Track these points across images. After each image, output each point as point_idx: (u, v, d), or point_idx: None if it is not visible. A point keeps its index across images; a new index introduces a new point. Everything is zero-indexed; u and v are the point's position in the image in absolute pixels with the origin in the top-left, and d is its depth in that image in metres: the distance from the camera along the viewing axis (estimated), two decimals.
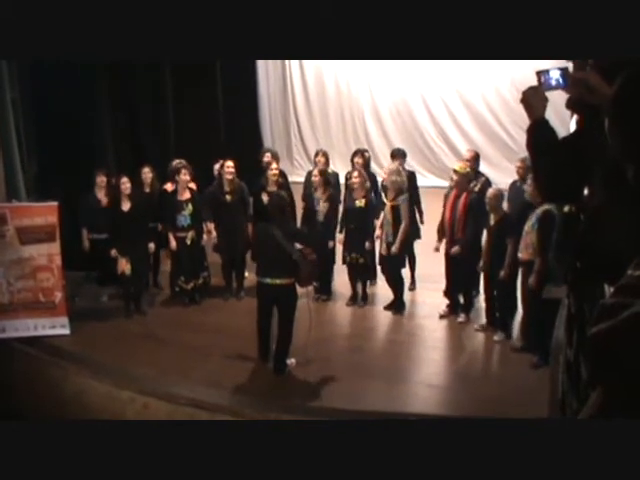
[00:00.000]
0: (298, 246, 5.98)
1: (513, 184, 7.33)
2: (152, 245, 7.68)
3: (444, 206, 7.10)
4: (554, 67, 2.24)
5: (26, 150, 8.48)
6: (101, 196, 8.02)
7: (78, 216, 8.00)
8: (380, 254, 7.41)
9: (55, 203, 7.16)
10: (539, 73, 2.29)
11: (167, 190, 7.95)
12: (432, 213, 7.96)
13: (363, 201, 7.36)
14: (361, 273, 7.63)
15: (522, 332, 6.48)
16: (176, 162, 7.98)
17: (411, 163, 10.76)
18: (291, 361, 6.23)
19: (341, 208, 7.79)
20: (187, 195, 7.76)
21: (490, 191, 6.60)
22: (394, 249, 7.16)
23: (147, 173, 8.19)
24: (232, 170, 7.79)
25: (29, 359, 6.68)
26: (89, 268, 8.23)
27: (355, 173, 7.47)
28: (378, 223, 7.41)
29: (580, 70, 2.00)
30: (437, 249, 7.23)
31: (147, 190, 8.14)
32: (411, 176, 8.18)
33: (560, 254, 5.19)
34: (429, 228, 7.76)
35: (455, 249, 6.83)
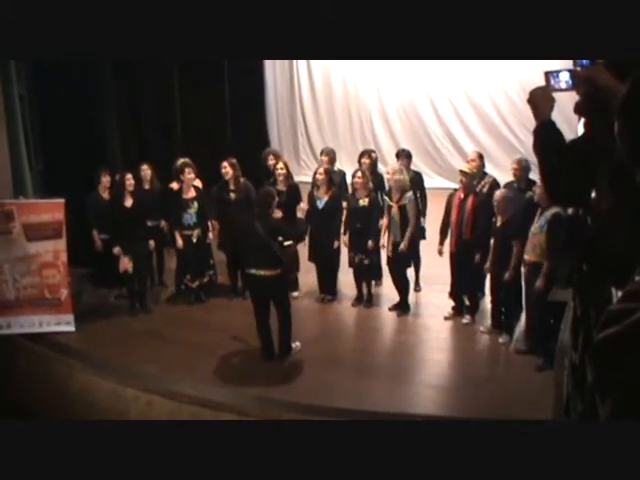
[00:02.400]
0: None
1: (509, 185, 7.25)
2: (152, 242, 7.66)
3: (447, 207, 7.06)
4: (563, 68, 2.23)
5: (33, 147, 8.49)
6: (106, 195, 7.97)
7: (86, 216, 7.93)
8: (387, 256, 7.37)
9: (62, 200, 7.16)
10: (548, 74, 2.28)
11: (173, 189, 7.93)
12: (439, 214, 7.93)
13: (367, 200, 7.33)
14: (366, 273, 7.62)
15: (527, 334, 6.45)
16: (181, 161, 7.96)
17: (417, 164, 10.74)
18: (296, 344, 6.35)
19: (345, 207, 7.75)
20: (192, 193, 7.75)
21: (497, 193, 6.56)
22: (402, 246, 7.13)
23: (146, 170, 8.18)
24: (228, 170, 7.76)
25: (34, 356, 6.69)
26: (96, 267, 8.21)
27: (358, 173, 7.45)
28: (383, 226, 7.36)
29: (590, 71, 1.97)
30: (440, 252, 7.14)
31: (146, 187, 8.14)
32: (417, 177, 8.16)
33: (564, 256, 5.18)
34: (435, 229, 7.74)
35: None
